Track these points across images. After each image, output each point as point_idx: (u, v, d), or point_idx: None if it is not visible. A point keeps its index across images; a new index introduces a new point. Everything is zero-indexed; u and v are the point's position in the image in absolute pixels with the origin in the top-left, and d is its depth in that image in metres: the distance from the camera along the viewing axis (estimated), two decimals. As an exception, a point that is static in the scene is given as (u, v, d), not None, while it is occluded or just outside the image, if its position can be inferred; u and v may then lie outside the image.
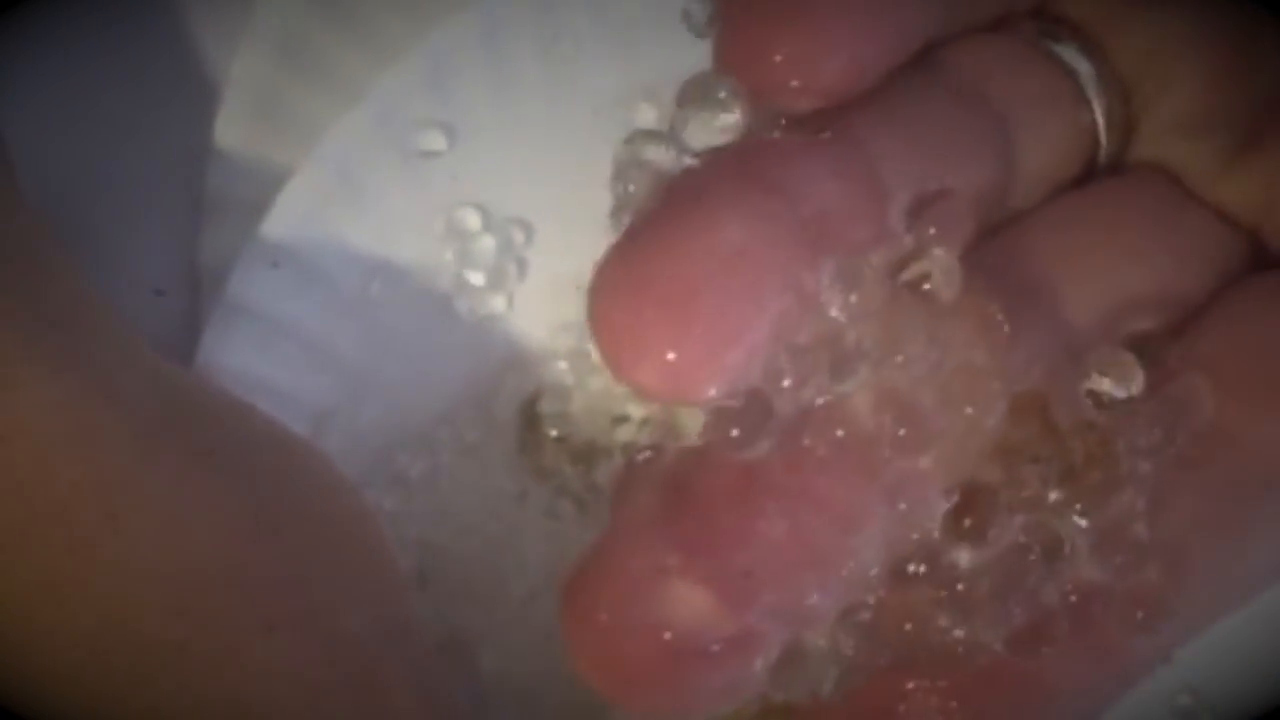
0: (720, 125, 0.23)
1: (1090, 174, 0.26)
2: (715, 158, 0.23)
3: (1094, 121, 0.26)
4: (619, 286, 0.22)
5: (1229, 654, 0.30)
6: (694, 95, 0.23)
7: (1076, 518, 0.23)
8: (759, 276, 0.22)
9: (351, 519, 0.27)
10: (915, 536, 0.23)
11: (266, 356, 0.30)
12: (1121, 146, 0.26)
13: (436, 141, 0.31)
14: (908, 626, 0.23)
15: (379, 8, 0.32)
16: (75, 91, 0.31)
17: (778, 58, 0.23)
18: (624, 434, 0.31)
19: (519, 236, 0.32)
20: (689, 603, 0.22)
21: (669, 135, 0.23)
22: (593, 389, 0.31)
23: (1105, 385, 0.23)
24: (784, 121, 0.23)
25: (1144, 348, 0.24)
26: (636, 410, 0.31)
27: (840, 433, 0.23)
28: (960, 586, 0.23)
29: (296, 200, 0.31)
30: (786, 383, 0.22)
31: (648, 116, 0.31)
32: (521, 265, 0.32)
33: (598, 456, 0.31)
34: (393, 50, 0.31)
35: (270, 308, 0.30)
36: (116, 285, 0.30)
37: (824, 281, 0.22)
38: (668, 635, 0.22)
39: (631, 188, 0.23)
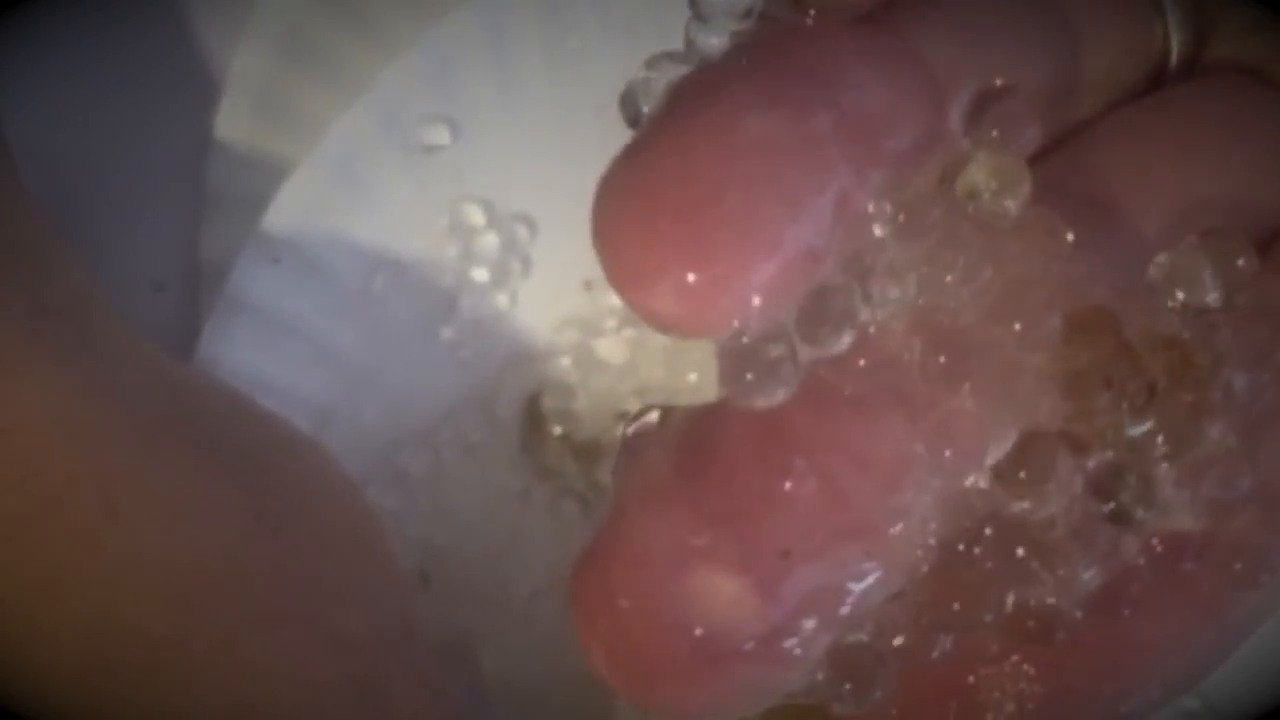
0: (741, 15, 0.20)
1: (1160, 83, 0.23)
2: (735, 46, 0.20)
3: (1164, 22, 0.23)
4: (626, 195, 0.19)
5: (1237, 660, 0.30)
6: None
7: (1159, 454, 0.20)
8: (791, 177, 0.19)
9: (353, 517, 0.27)
10: (967, 485, 0.20)
11: (267, 353, 0.30)
12: (1194, 50, 0.23)
13: (440, 136, 0.31)
14: (955, 606, 0.20)
15: (382, 1, 0.32)
16: (76, 86, 0.31)
17: None
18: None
19: (523, 233, 0.31)
20: (720, 593, 0.19)
21: (689, 53, 0.20)
22: (596, 386, 0.31)
23: (1182, 295, 0.20)
24: (814, 14, 0.20)
25: (1224, 254, 0.21)
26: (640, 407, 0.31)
27: (872, 366, 0.19)
28: (1021, 550, 0.20)
29: (298, 195, 0.31)
30: (816, 311, 0.19)
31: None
32: (525, 262, 0.31)
33: (601, 454, 0.31)
34: (396, 44, 0.31)
35: (271, 304, 0.30)
36: (117, 280, 0.30)
37: (867, 188, 0.19)
38: (698, 631, 0.19)
39: (646, 109, 0.20)
